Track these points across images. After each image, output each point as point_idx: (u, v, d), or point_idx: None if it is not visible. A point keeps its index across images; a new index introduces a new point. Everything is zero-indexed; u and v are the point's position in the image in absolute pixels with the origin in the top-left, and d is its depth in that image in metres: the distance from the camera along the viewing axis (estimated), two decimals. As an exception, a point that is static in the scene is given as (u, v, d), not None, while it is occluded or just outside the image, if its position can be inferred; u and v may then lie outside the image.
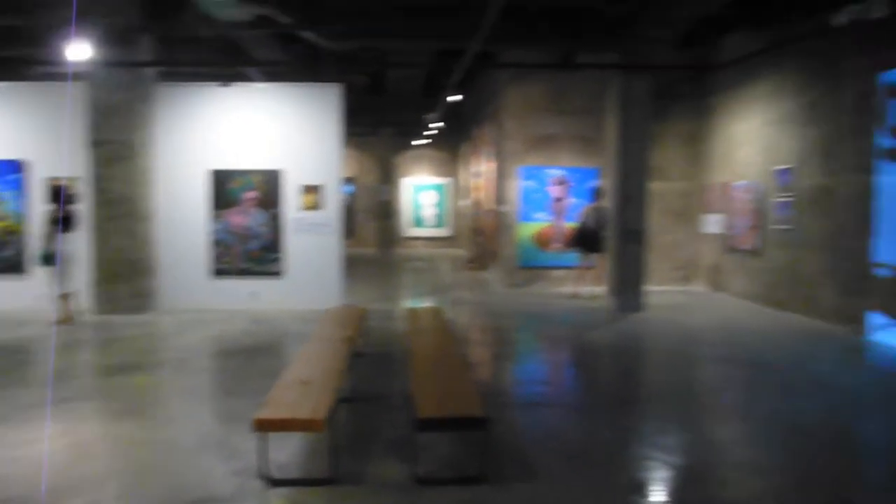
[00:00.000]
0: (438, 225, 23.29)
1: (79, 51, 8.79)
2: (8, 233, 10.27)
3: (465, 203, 21.30)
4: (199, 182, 10.27)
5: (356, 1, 9.69)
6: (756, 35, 10.84)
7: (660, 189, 12.67)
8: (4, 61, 11.77)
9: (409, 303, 11.74)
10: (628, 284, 10.59)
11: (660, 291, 12.24)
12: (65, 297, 9.11)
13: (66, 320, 9.11)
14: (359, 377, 6.50)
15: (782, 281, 10.64)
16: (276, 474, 4.27)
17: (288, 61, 11.64)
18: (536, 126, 12.83)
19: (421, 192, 23.17)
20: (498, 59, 12.60)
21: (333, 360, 5.41)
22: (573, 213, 12.52)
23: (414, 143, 22.21)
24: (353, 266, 14.40)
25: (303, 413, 4.11)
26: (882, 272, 8.47)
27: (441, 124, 18.29)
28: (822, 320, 9.58)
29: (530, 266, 12.97)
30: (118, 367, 7.13)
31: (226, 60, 11.78)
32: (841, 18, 7.27)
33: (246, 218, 10.31)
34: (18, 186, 10.25)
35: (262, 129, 10.37)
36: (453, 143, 22.35)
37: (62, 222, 8.94)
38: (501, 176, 13.36)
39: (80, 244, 9.47)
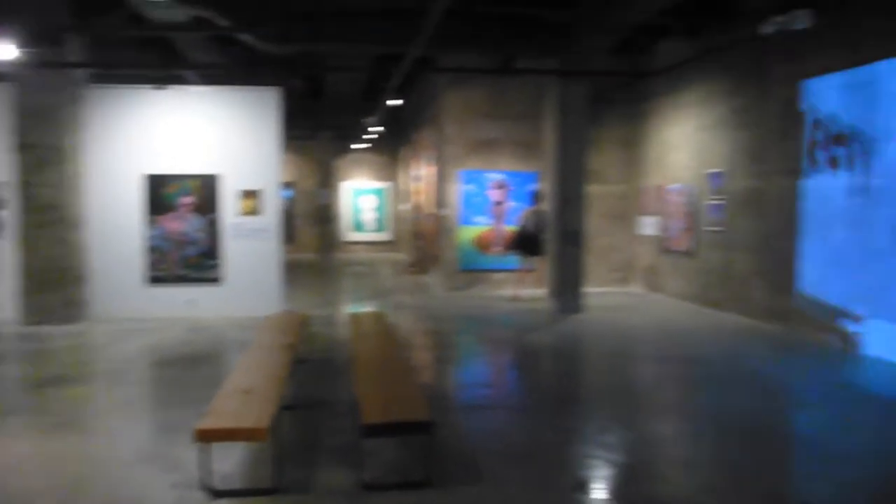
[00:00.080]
0: (379, 229, 23.21)
1: (3, 51, 8.46)
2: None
3: (405, 207, 21.29)
4: (133, 187, 10.00)
5: (295, 4, 9.59)
6: (689, 43, 11.17)
7: (597, 192, 12.92)
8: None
9: (350, 308, 11.67)
10: (568, 286, 10.75)
11: (598, 293, 12.47)
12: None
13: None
14: (301, 384, 6.43)
15: (716, 281, 10.97)
16: (219, 485, 4.19)
17: (225, 64, 11.44)
18: (476, 130, 12.92)
19: (361, 197, 23.05)
20: (437, 64, 12.64)
21: (275, 367, 5.34)
22: (513, 216, 12.66)
23: (353, 146, 22.08)
24: (293, 272, 14.24)
25: (246, 422, 4.05)
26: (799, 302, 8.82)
27: (381, 128, 18.24)
28: (754, 318, 9.91)
29: (471, 269, 13.05)
30: (49, 380, 6.87)
31: (161, 62, 11.51)
32: (767, 28, 7.54)
33: (182, 223, 10.09)
34: (-61, 192, 9.80)
35: (199, 133, 10.16)
36: (393, 147, 22.32)
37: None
38: (442, 180, 13.41)
39: (5, 252, 9.10)
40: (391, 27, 9.98)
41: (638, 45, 12.07)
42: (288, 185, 21.36)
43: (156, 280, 10.08)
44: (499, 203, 13.00)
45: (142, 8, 8.52)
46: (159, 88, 10.12)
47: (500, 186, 12.99)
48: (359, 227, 23.08)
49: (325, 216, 21.58)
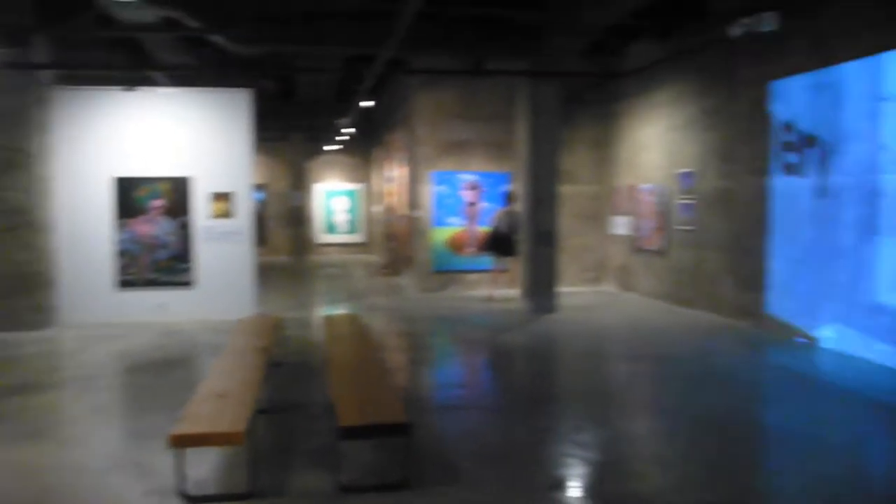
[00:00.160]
0: (351, 231, 23.14)
1: (-33, 53, 8.32)
2: None
3: (378, 209, 21.25)
4: (102, 190, 9.86)
5: (267, 5, 9.53)
6: (659, 44, 11.30)
7: (569, 192, 12.99)
8: None
9: (323, 310, 11.62)
10: (541, 286, 10.81)
11: (571, 292, 12.55)
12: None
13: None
14: (276, 387, 6.39)
15: (687, 280, 11.10)
16: (194, 491, 4.16)
17: (195, 65, 11.33)
18: (448, 131, 12.94)
19: (333, 198, 22.96)
20: (409, 65, 12.64)
21: (250, 371, 5.30)
22: (486, 217, 12.69)
23: (326, 148, 21.99)
24: (266, 274, 14.14)
25: (221, 426, 4.02)
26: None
27: (353, 130, 18.19)
28: (724, 316, 10.05)
29: (444, 270, 13.06)
30: (17, 388, 6.74)
31: (130, 64, 11.36)
32: (735, 31, 7.65)
33: (153, 227, 9.97)
34: None
35: (170, 136, 10.05)
36: (365, 149, 22.27)
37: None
38: (414, 181, 13.41)
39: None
40: (363, 29, 9.97)
41: (609, 46, 12.17)
42: (260, 187, 21.20)
43: (126, 284, 9.96)
44: (472, 204, 13.03)
45: (110, 8, 8.41)
46: (129, 90, 10.00)
47: (473, 187, 13.02)
48: (331, 228, 22.99)
49: (297, 218, 21.47)
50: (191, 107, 10.14)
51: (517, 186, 11.89)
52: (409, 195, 14.25)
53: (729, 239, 10.03)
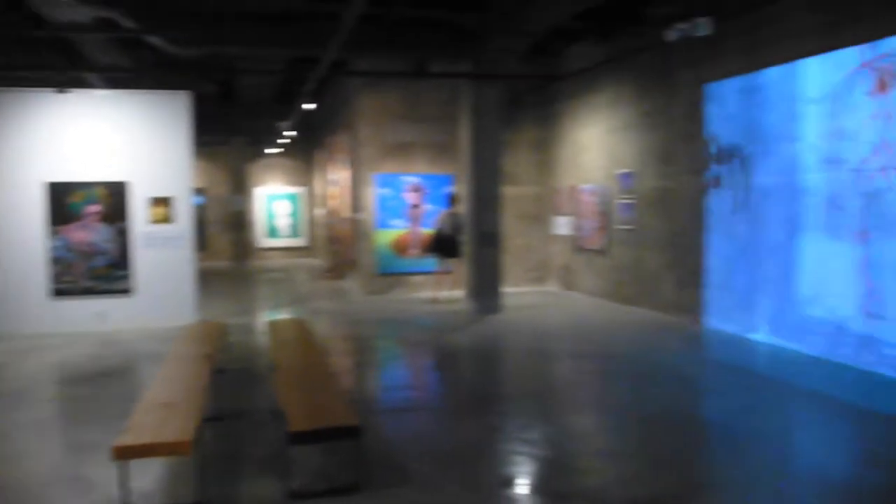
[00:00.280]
0: (294, 235, 22.89)
1: None
2: None
3: (320, 212, 21.08)
4: (33, 196, 9.54)
5: (205, 5, 9.36)
6: (599, 47, 11.52)
7: (512, 194, 13.13)
8: None
9: (266, 315, 11.48)
10: (485, 287, 10.90)
11: (516, 293, 12.69)
12: None
13: None
14: (221, 395, 6.29)
15: (628, 278, 11.34)
16: None
17: (132, 67, 11.05)
18: (391, 133, 12.93)
19: (275, 202, 22.69)
20: (352, 67, 12.59)
21: (195, 378, 5.21)
22: (429, 219, 12.72)
23: (267, 151, 21.71)
24: (207, 280, 13.89)
25: (167, 436, 3.94)
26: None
27: (294, 132, 18.00)
28: (664, 313, 10.30)
29: (389, 273, 13.05)
30: (-53, 402, 6.50)
31: (63, 65, 11.01)
32: (672, 35, 7.87)
33: (89, 233, 9.69)
34: None
35: (105, 139, 9.78)
36: (307, 151, 22.07)
37: None
38: (357, 183, 13.36)
39: None
40: (305, 30, 9.89)
41: (550, 48, 12.35)
42: (199, 191, 20.82)
43: (60, 293, 9.65)
44: (415, 206, 13.05)
45: (41, 7, 8.14)
46: (62, 92, 9.69)
47: (416, 189, 13.04)
48: (273, 233, 22.70)
49: (238, 223, 21.14)
50: (127, 109, 9.89)
51: (460, 188, 11.96)
52: (352, 198, 14.19)
53: (668, 237, 10.30)
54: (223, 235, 21.38)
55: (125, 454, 3.87)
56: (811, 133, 7.70)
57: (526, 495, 4.43)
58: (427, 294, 12.53)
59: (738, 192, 8.77)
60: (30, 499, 4.28)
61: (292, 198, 22.78)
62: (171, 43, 9.27)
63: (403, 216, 13.02)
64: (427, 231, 12.67)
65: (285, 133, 17.64)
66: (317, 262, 20.94)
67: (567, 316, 10.89)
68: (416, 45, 10.63)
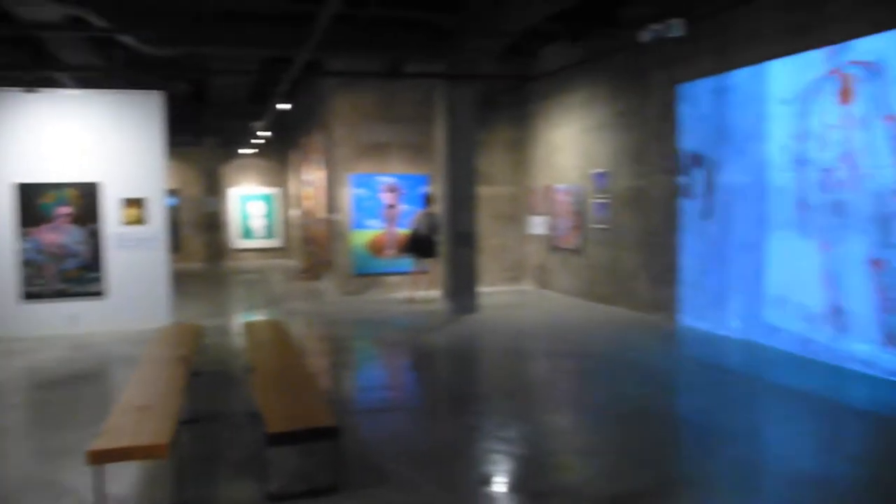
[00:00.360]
0: (268, 236, 22.74)
1: None
2: None
3: (295, 212, 20.97)
4: (2, 197, 9.37)
5: (179, 5, 9.27)
6: (573, 48, 11.59)
7: (488, 194, 13.17)
8: None
9: (241, 317, 11.40)
10: (461, 287, 10.92)
11: (491, 292, 12.73)
12: None
13: None
14: (198, 397, 6.23)
15: (603, 276, 11.43)
16: (115, 507, 4.04)
17: (103, 67, 10.92)
18: (366, 134, 12.90)
19: (249, 203, 22.52)
20: (326, 67, 12.54)
21: (171, 381, 5.17)
22: (405, 219, 12.72)
23: (241, 152, 21.54)
24: (181, 282, 13.76)
25: (144, 439, 3.90)
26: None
27: (269, 133, 17.89)
28: (639, 311, 10.40)
29: (365, 273, 13.02)
30: (-85, 407, 6.38)
31: (31, 64, 10.85)
32: (645, 36, 7.95)
33: (60, 235, 9.55)
34: None
35: (77, 140, 9.64)
36: (282, 152, 21.93)
37: None
38: (332, 184, 13.31)
39: None
40: (280, 31, 9.84)
41: (525, 49, 12.40)
42: (173, 192, 20.61)
43: (31, 296, 9.50)
44: (391, 206, 13.04)
45: (9, 5, 8.01)
46: (30, 92, 9.54)
47: (392, 190, 13.03)
48: (248, 234, 22.53)
49: (212, 224, 20.96)
50: (99, 109, 9.76)
51: (436, 188, 11.97)
52: (327, 198, 14.14)
53: (642, 236, 10.39)
54: (197, 237, 21.18)
55: (100, 458, 3.83)
56: (781, 133, 7.82)
57: (504, 494, 4.45)
58: (403, 294, 12.52)
59: (710, 191, 8.88)
60: (2, 505, 4.22)
61: (267, 198, 22.63)
62: (144, 42, 9.16)
63: (379, 216, 13.00)
64: (403, 231, 12.66)
65: (259, 133, 17.52)
66: (292, 263, 20.83)
67: (543, 315, 10.94)
68: (391, 45, 10.63)
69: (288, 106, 14.11)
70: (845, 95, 7.00)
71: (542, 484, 4.49)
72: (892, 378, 6.55)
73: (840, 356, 7.12)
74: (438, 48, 10.70)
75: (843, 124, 7.04)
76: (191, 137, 19.37)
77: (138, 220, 9.84)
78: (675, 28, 7.59)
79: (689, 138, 9.24)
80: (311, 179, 16.88)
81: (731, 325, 8.64)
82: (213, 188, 21.14)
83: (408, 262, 12.37)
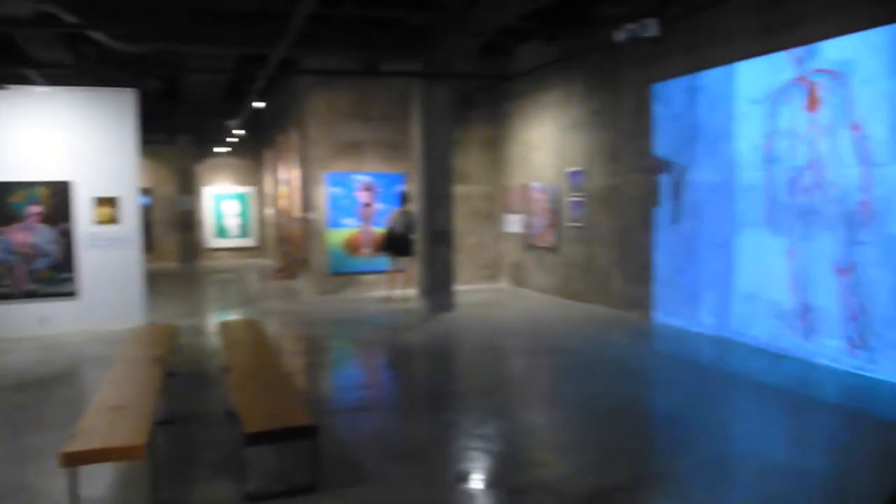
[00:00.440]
0: (243, 235, 22.57)
1: None
2: None
3: (270, 211, 20.84)
4: (-29, 197, 9.24)
5: (151, 1, 9.17)
6: (548, 47, 11.65)
7: (464, 192, 13.19)
8: None
9: (218, 317, 11.32)
10: (438, 285, 10.94)
11: (468, 290, 12.76)
12: None
13: None
14: (174, 398, 6.18)
15: (578, 274, 11.51)
16: (90, 509, 4.00)
17: (74, 63, 10.77)
18: (342, 132, 12.86)
19: (224, 202, 22.33)
20: (302, 65, 12.48)
21: (146, 381, 5.12)
22: (381, 217, 12.70)
23: (215, 150, 21.36)
24: (155, 282, 13.61)
25: (119, 440, 3.87)
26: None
27: (243, 131, 17.76)
28: (614, 308, 10.49)
29: (341, 272, 12.98)
30: None
31: (0, 60, 10.67)
32: (620, 36, 8.01)
33: (31, 234, 9.41)
34: None
35: (47, 138, 9.48)
36: (257, 150, 21.78)
37: None
38: (308, 183, 13.26)
39: None
40: (255, 28, 9.77)
41: (501, 48, 12.44)
42: (146, 191, 20.37)
43: (1, 297, 9.34)
44: (367, 205, 13.01)
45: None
46: (0, 89, 9.39)
47: (368, 188, 13.01)
48: (222, 233, 22.34)
49: (186, 223, 20.78)
50: (70, 107, 9.62)
51: (412, 187, 11.97)
52: (302, 197, 14.08)
53: (617, 234, 10.48)
54: (171, 236, 20.97)
55: (74, 460, 3.78)
56: (751, 133, 7.93)
57: (482, 491, 4.48)
58: (380, 293, 12.50)
59: (678, 196, 8.98)
60: (-26, 509, 4.16)
61: (241, 197, 22.45)
62: (116, 39, 9.05)
63: (355, 215, 12.97)
64: (379, 230, 12.63)
65: (234, 132, 17.39)
66: (267, 262, 20.70)
67: (519, 313, 10.99)
68: (367, 43, 10.61)
69: (263, 104, 14.01)
70: (812, 103, 7.13)
71: (520, 480, 4.52)
72: (859, 373, 6.68)
73: (809, 352, 7.24)
74: (414, 47, 10.70)
75: (809, 132, 7.17)
76: (164, 135, 19.17)
77: (111, 220, 9.72)
78: (650, 28, 7.66)
79: (662, 137, 9.34)
80: (286, 178, 16.79)
81: (704, 321, 8.75)
82: (187, 187, 20.95)
83: (384, 261, 12.35)
